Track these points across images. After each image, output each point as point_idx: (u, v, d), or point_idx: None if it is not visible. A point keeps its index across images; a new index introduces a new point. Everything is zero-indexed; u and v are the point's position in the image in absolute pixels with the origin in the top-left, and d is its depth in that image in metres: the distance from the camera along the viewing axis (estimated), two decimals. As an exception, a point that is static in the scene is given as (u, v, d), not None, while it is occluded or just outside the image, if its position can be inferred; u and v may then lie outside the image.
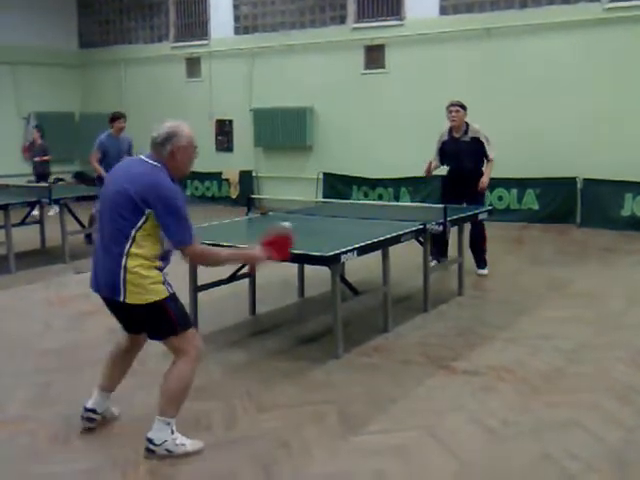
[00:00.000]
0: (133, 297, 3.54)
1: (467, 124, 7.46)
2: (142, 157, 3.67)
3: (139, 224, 3.52)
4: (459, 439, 3.78)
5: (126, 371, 4.02)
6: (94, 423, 3.94)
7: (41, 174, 12.71)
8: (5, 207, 8.03)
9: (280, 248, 3.81)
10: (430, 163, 7.50)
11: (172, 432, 3.64)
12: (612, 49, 10.18)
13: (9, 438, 3.88)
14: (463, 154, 7.44)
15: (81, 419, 3.94)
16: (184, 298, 5.62)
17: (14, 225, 8.44)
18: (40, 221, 9.62)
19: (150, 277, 3.55)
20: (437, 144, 7.66)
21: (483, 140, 7.39)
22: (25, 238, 9.32)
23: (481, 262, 7.61)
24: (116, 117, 9.54)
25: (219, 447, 3.73)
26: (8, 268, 8.06)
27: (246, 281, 6.23)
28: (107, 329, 5.77)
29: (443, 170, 7.81)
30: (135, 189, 3.49)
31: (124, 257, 3.52)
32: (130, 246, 3.52)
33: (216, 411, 4.18)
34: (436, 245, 7.55)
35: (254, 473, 3.46)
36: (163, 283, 3.60)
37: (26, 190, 9.83)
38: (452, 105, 7.43)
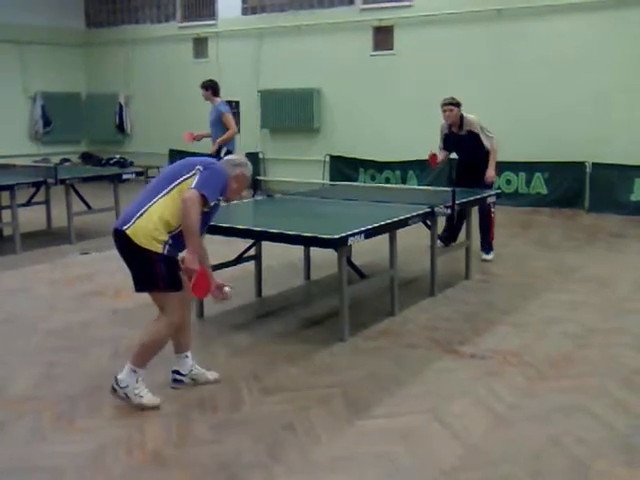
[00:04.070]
0: (134, 232, 3.80)
1: (462, 117, 7.36)
2: None
3: (182, 178, 3.89)
4: (465, 423, 3.76)
5: (183, 328, 4.19)
6: (180, 384, 4.25)
7: None
8: (11, 187, 8.01)
9: (201, 286, 3.96)
10: (434, 156, 7.45)
11: (137, 381, 3.93)
12: (623, 32, 10.04)
13: (14, 418, 3.88)
14: (464, 148, 7.51)
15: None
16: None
17: (20, 205, 8.44)
18: (46, 202, 9.59)
19: (157, 230, 3.82)
20: (440, 135, 7.62)
21: (477, 131, 7.33)
22: (31, 218, 9.31)
23: (486, 246, 7.56)
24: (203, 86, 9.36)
25: (224, 429, 3.73)
26: (14, 248, 8.06)
27: (252, 263, 6.21)
28: (112, 310, 5.78)
29: (454, 154, 7.78)
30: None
31: (150, 205, 3.85)
32: (160, 197, 3.86)
33: (221, 393, 4.17)
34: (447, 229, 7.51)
35: (259, 455, 3.45)
36: (164, 245, 3.84)
37: (32, 170, 9.80)
38: (444, 105, 7.37)
